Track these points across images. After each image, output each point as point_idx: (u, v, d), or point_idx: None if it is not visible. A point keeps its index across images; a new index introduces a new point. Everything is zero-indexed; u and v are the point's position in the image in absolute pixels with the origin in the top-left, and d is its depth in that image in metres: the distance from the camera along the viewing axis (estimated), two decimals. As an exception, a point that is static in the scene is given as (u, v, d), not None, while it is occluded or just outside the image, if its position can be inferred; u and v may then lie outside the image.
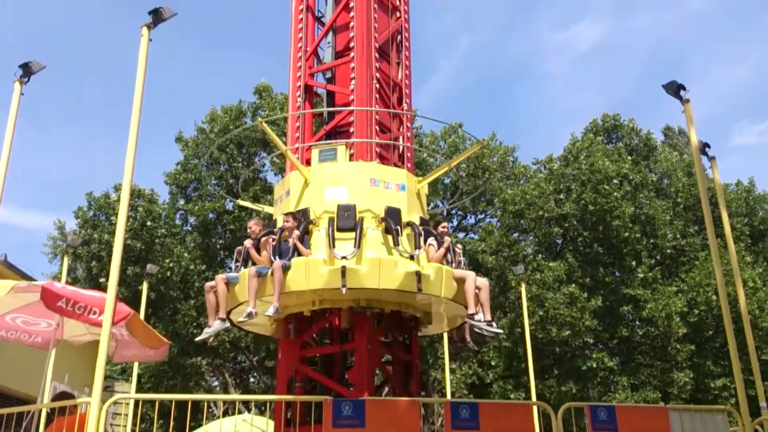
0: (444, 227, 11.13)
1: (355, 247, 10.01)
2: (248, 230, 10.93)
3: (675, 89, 11.48)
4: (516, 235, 25.99)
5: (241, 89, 63.64)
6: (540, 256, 24.68)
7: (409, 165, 12.43)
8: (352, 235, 10.20)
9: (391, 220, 10.51)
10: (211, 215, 26.01)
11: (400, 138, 12.72)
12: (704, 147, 12.08)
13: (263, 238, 10.63)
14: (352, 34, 12.51)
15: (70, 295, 9.29)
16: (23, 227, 63.90)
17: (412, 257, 10.25)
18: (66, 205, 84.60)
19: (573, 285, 22.88)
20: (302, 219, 10.60)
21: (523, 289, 19.23)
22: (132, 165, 8.65)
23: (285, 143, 12.73)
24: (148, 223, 24.48)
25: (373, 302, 10.59)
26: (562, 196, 24.77)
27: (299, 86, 12.58)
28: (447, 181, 27.91)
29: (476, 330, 10.22)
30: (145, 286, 18.79)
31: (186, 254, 24.88)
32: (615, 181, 24.39)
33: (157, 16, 9.13)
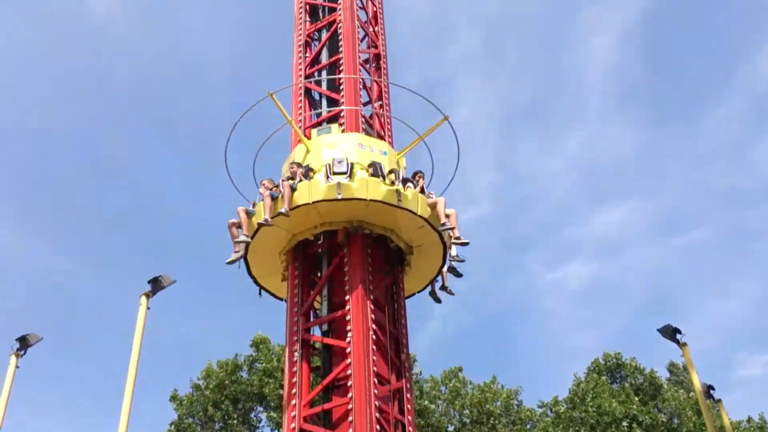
0: (420, 175, 13.50)
1: (347, 174, 12.48)
2: (261, 187, 12.93)
3: (671, 333, 11.59)
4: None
5: (237, 343, 63.35)
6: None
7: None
8: (346, 176, 12.53)
9: (377, 167, 12.87)
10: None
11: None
12: (708, 389, 11.94)
13: (277, 186, 12.81)
14: (347, 287, 12.46)
15: None
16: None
17: (393, 183, 12.67)
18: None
19: None
20: (305, 168, 12.98)
21: None
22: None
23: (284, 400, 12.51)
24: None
25: (364, 224, 12.79)
26: (571, 442, 23.92)
27: (296, 340, 12.59)
28: (451, 429, 27.07)
29: (450, 261, 12.96)
30: None
31: None
32: (624, 423, 23.69)
33: (156, 285, 9.38)
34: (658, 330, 11.60)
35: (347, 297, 12.43)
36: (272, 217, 12.39)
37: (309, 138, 14.14)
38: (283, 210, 12.36)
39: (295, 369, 12.26)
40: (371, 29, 16.79)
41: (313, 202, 12.46)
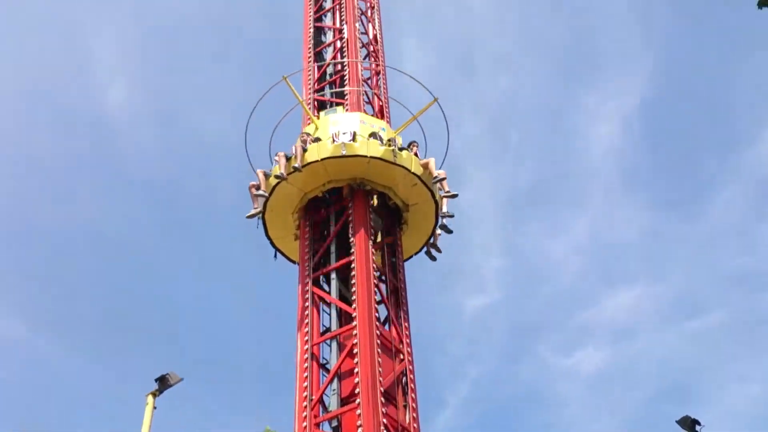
0: (414, 144, 15.27)
1: (351, 138, 14.34)
2: (276, 156, 14.62)
3: (690, 425, 11.34)
4: None
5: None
6: None
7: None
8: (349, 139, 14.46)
9: (377, 135, 14.63)
10: None
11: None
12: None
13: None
14: (357, 380, 12.39)
15: None
16: None
17: (390, 145, 14.47)
18: None
19: None
20: (314, 138, 14.78)
21: None
22: None
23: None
24: None
25: (365, 181, 14.55)
26: None
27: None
28: None
29: (441, 217, 14.90)
30: None
31: None
32: None
33: (163, 383, 9.14)
34: (676, 422, 11.48)
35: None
36: (288, 174, 14.19)
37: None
38: (296, 165, 14.14)
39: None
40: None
41: (321, 159, 14.27)
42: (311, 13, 19.54)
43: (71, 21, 48.95)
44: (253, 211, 14.47)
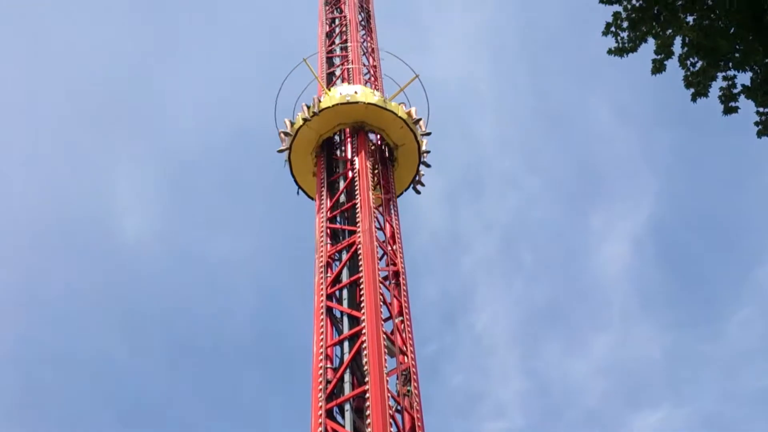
0: (402, 104, 20.45)
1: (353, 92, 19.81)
2: (301, 109, 20.09)
3: None
4: None
5: None
6: None
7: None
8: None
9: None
10: None
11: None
12: None
13: None
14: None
15: None
16: None
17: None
18: None
19: None
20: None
21: None
22: None
23: None
24: None
25: (365, 123, 19.68)
26: None
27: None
28: None
29: (422, 155, 20.29)
30: None
31: None
32: None
33: None
34: None
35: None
36: (310, 117, 19.40)
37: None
38: (315, 110, 19.40)
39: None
40: (390, 248, 17.50)
41: (333, 105, 19.46)
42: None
43: (89, 156, 51.18)
44: (282, 147, 20.05)
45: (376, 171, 19.33)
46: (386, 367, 14.64)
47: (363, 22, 24.72)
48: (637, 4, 9.04)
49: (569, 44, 52.31)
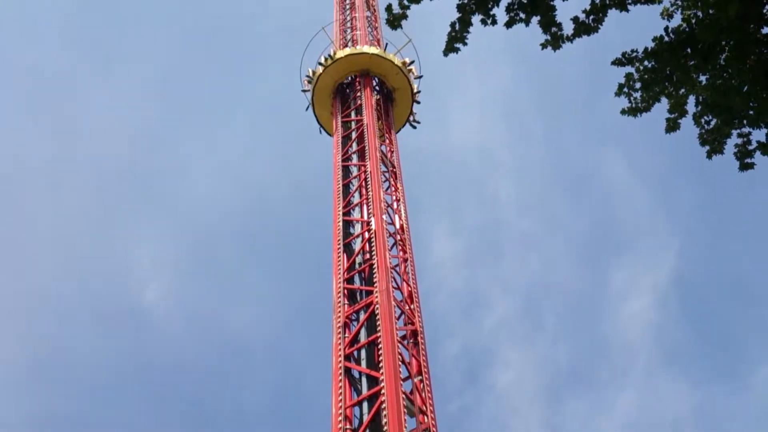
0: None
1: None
2: (321, 57, 25.08)
3: None
4: None
5: None
6: None
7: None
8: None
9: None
10: None
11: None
12: None
13: None
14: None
15: None
16: None
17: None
18: None
19: None
20: None
21: None
22: None
23: None
24: None
25: (370, 71, 24.35)
26: None
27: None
28: None
29: (413, 97, 24.90)
30: None
31: None
32: None
33: None
34: None
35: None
36: (329, 65, 24.22)
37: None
38: (331, 60, 24.27)
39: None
40: (407, 307, 17.43)
41: (345, 56, 24.38)
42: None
43: (111, 227, 52.22)
44: (306, 87, 24.99)
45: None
46: (406, 427, 14.46)
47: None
48: (650, 65, 9.12)
49: (584, 104, 53.06)
